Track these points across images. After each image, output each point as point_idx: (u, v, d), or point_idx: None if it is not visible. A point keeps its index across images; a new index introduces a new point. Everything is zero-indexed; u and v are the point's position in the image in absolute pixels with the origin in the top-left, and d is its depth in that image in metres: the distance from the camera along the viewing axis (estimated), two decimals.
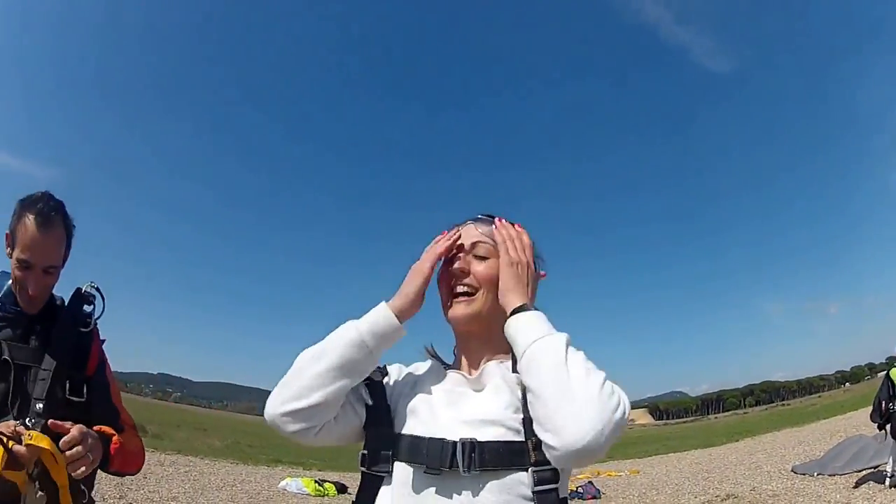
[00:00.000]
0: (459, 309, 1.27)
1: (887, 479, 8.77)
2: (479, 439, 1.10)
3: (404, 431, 1.20)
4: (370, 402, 1.26)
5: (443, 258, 1.30)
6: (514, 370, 1.16)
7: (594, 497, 12.28)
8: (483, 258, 1.28)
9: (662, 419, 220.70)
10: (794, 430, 28.95)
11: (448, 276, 1.29)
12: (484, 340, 1.30)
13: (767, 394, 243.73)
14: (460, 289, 1.27)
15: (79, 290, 1.89)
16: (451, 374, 1.29)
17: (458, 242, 1.30)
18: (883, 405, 8.68)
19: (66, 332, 1.80)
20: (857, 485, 9.66)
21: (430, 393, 1.25)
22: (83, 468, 1.54)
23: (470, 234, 1.32)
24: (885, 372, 9.19)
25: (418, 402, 1.24)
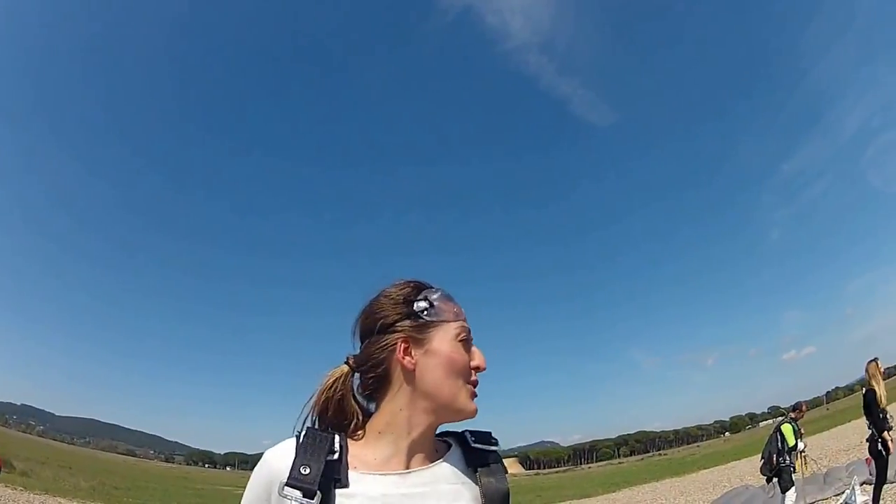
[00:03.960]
0: (474, 404, 1.13)
1: None
2: None
3: None
4: None
5: (461, 338, 1.13)
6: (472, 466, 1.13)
7: None
8: None
9: (533, 469, 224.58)
10: (674, 480, 29.90)
11: (475, 366, 1.13)
12: (432, 437, 1.15)
13: (642, 444, 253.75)
14: (475, 386, 1.14)
15: None
16: (380, 476, 1.05)
17: (470, 329, 1.16)
18: (773, 458, 8.84)
19: None
20: None
21: None
22: None
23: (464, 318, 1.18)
24: (774, 423, 9.69)
25: None
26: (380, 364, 1.11)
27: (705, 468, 33.35)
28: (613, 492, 29.06)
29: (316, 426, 1.11)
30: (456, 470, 1.11)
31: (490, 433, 1.22)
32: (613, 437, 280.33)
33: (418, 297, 1.13)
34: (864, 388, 7.63)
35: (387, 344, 1.10)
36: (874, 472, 7.33)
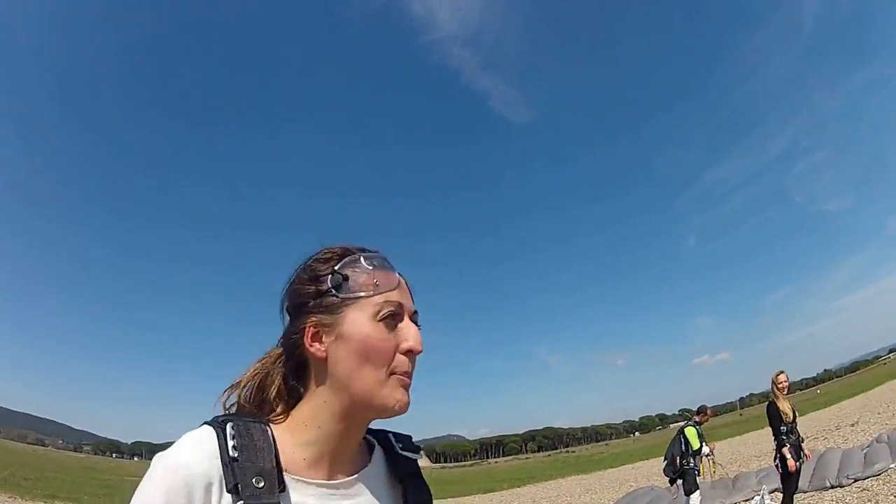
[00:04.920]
0: (403, 397, 0.93)
1: None
2: None
3: None
4: None
5: (382, 315, 0.92)
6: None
7: None
8: None
9: (440, 462, 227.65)
10: (580, 477, 30.22)
11: (406, 349, 0.93)
12: (359, 439, 1.00)
13: (550, 440, 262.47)
14: (406, 376, 0.93)
15: None
16: (310, 484, 0.91)
17: (401, 302, 0.94)
18: (677, 460, 8.88)
19: None
20: None
21: None
22: None
23: (405, 292, 0.98)
24: (679, 426, 9.55)
25: None
26: (293, 352, 0.95)
27: (613, 467, 34.39)
28: (518, 487, 29.43)
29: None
30: (381, 480, 1.00)
31: (411, 437, 1.09)
32: (521, 432, 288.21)
33: (331, 271, 0.93)
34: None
35: (296, 329, 0.94)
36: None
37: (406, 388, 0.92)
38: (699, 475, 8.85)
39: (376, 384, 0.90)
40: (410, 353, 0.92)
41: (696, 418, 9.30)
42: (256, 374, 0.98)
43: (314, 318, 0.91)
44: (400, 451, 1.04)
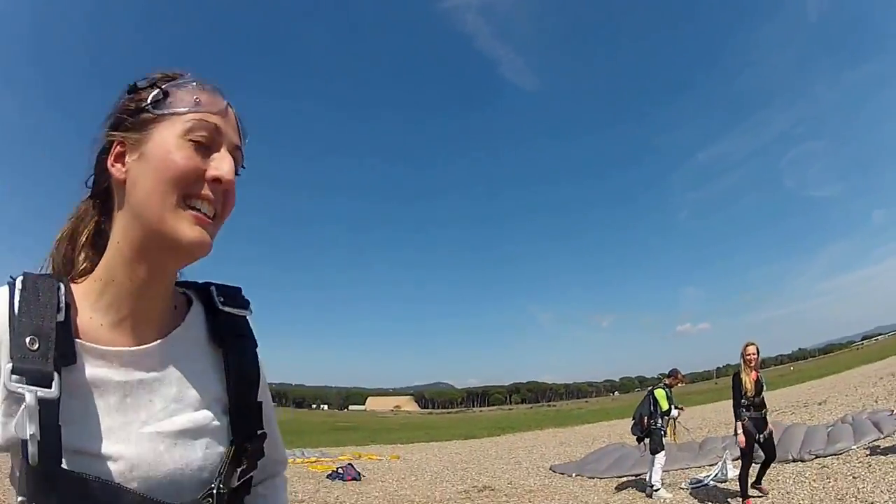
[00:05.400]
0: (199, 233, 0.77)
1: (648, 488, 8.81)
2: (222, 487, 0.78)
3: (77, 471, 0.68)
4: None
5: (193, 136, 0.78)
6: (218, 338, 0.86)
7: (354, 479, 12.36)
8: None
9: (428, 408, 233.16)
10: (557, 430, 30.96)
11: (197, 176, 0.78)
12: (165, 294, 0.84)
13: (534, 393, 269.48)
14: (205, 207, 0.78)
15: None
16: (108, 352, 0.76)
17: (219, 126, 0.81)
18: (644, 420, 9.01)
19: None
20: (618, 489, 9.68)
21: (88, 394, 0.73)
22: None
23: (231, 124, 0.84)
24: (649, 388, 9.60)
25: (78, 416, 0.71)
26: (98, 179, 0.83)
27: (589, 423, 34.97)
28: (497, 436, 30.08)
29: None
30: (198, 342, 0.85)
31: (240, 290, 0.92)
32: (507, 384, 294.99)
33: (152, 85, 0.80)
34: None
35: (102, 149, 0.82)
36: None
37: (203, 226, 0.77)
38: (665, 436, 8.96)
39: (168, 210, 0.75)
40: (217, 183, 0.78)
41: (667, 381, 9.41)
42: (71, 224, 0.86)
43: (121, 135, 0.79)
44: (221, 307, 0.88)
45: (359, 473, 12.71)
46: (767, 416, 7.25)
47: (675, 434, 9.55)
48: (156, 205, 0.75)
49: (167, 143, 0.77)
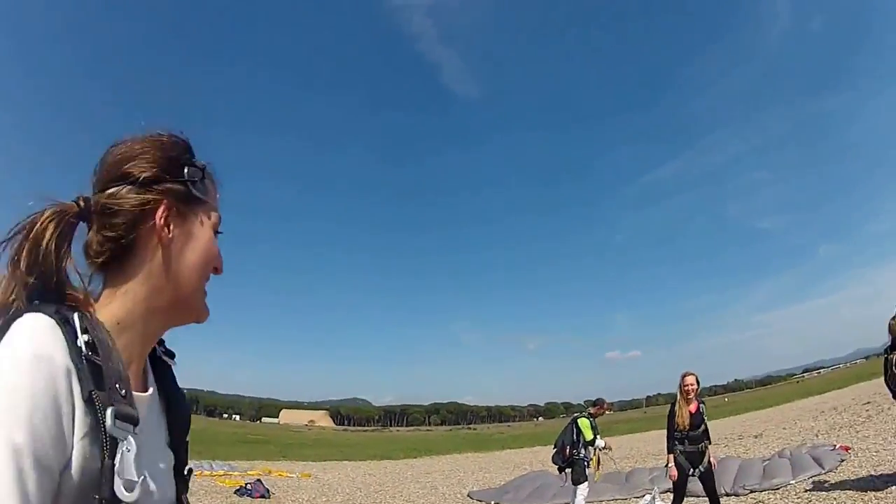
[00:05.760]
0: (207, 309, 0.95)
1: None
2: None
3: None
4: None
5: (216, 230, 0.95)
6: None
7: (262, 496, 12.07)
8: None
9: (343, 424, 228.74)
10: (476, 454, 30.69)
11: (214, 267, 0.94)
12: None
13: (454, 415, 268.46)
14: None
15: None
16: (138, 396, 0.83)
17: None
18: (567, 449, 8.76)
19: None
20: None
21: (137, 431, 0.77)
22: None
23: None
24: (573, 416, 9.40)
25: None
26: (129, 225, 0.84)
27: (510, 448, 34.93)
28: (414, 458, 29.63)
29: None
30: (155, 391, 0.92)
31: (163, 340, 0.97)
32: (426, 404, 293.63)
33: (191, 161, 0.91)
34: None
35: (144, 202, 0.85)
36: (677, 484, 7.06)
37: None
38: (588, 467, 8.73)
39: (199, 288, 0.90)
40: (216, 272, 0.93)
41: (592, 410, 9.25)
42: (38, 238, 0.78)
43: (170, 201, 0.86)
44: (161, 354, 0.96)
45: (268, 490, 12.36)
46: (708, 450, 6.96)
47: (599, 465, 9.46)
48: (193, 281, 0.89)
49: (208, 232, 0.91)
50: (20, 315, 0.72)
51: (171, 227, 0.86)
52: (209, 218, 0.91)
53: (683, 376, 6.96)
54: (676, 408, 6.91)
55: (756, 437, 17.72)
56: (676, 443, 6.94)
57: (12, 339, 0.69)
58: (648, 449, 18.73)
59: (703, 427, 6.97)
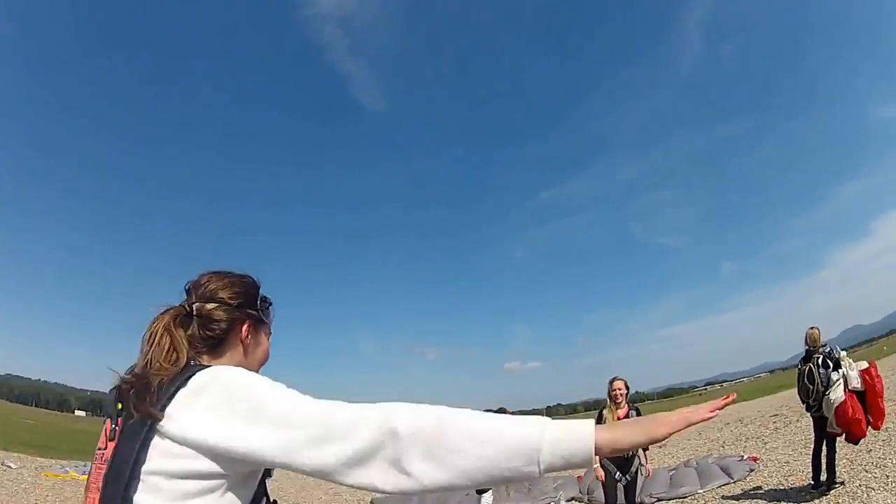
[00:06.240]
0: None
1: None
2: None
3: None
4: None
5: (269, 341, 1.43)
6: None
7: None
8: None
9: None
10: None
11: (267, 355, 1.41)
12: None
13: None
14: None
15: None
16: None
17: None
18: None
19: None
20: None
21: None
22: None
23: None
24: None
25: None
26: (224, 330, 1.28)
27: None
28: None
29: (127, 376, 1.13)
30: None
31: None
32: None
33: (266, 297, 1.40)
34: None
35: (237, 318, 1.30)
36: (584, 489, 6.87)
37: None
38: None
39: (258, 371, 1.33)
40: (265, 361, 1.40)
41: None
42: (175, 331, 1.21)
43: (250, 322, 1.32)
44: None
45: None
46: (639, 457, 6.67)
47: None
48: (255, 367, 1.32)
49: (266, 342, 1.37)
50: (200, 368, 1.11)
51: (249, 336, 1.31)
52: (268, 332, 1.39)
53: (612, 381, 6.55)
54: (605, 412, 6.53)
55: (660, 447, 16.12)
56: None
57: (224, 369, 1.11)
58: None
59: None
